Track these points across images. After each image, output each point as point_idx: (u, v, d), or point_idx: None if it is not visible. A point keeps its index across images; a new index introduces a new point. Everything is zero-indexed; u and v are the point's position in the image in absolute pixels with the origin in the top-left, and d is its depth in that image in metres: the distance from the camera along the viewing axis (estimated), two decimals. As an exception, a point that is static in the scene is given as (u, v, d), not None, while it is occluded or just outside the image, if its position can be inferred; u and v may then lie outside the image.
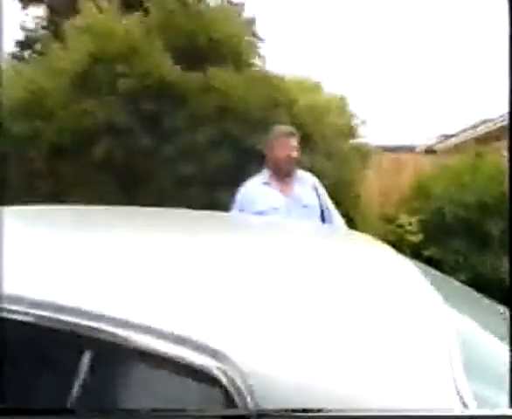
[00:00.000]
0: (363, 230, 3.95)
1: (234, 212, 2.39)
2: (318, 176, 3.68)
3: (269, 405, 0.60)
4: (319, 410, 0.59)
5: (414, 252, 3.90)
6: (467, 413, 0.60)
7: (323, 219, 2.40)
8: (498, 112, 8.95)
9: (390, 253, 1.23)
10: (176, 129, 3.90)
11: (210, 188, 3.77)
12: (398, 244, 4.03)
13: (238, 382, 0.61)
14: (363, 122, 4.69)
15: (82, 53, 4.00)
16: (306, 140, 3.90)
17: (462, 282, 3.81)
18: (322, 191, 2.51)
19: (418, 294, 0.89)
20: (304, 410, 0.59)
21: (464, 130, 9.35)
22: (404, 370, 0.65)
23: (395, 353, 0.67)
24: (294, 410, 0.60)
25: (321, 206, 2.41)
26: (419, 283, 0.95)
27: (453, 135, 9.40)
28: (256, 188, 2.43)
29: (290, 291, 0.80)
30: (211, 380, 0.62)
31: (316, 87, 4.88)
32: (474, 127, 9.41)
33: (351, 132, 4.39)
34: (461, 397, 0.60)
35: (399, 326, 0.75)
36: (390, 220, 4.13)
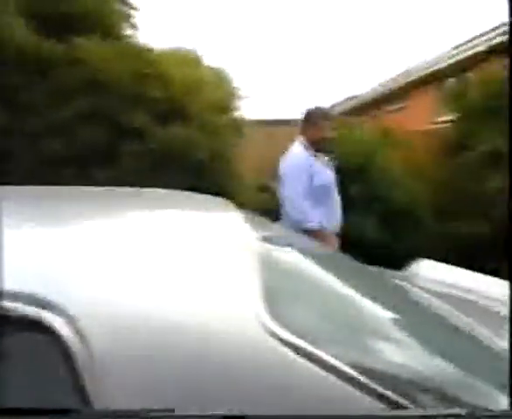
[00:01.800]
0: (238, 199, 4.21)
1: (300, 179, 2.51)
2: (192, 149, 3.79)
3: (100, 344, 0.68)
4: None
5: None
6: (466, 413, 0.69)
7: None
8: (362, 89, 10.08)
9: (229, 210, 1.39)
10: (36, 104, 3.60)
11: (81, 167, 3.61)
12: (274, 210, 4.37)
13: (69, 328, 0.68)
14: (242, 96, 4.88)
15: None
16: (179, 113, 3.95)
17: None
18: None
19: (237, 237, 1.04)
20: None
21: (335, 105, 10.34)
22: (212, 296, 0.78)
23: (208, 285, 0.79)
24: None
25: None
26: (241, 229, 1.10)
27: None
28: (311, 162, 2.58)
29: (128, 244, 0.88)
30: (44, 329, 0.68)
31: (194, 60, 4.87)
32: (344, 102, 10.48)
33: (228, 105, 4.53)
34: (262, 323, 0.72)
35: (216, 264, 0.87)
36: (265, 189, 4.44)
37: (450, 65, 7.32)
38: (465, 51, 7.20)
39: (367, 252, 4.05)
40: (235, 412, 0.63)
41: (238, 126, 4.36)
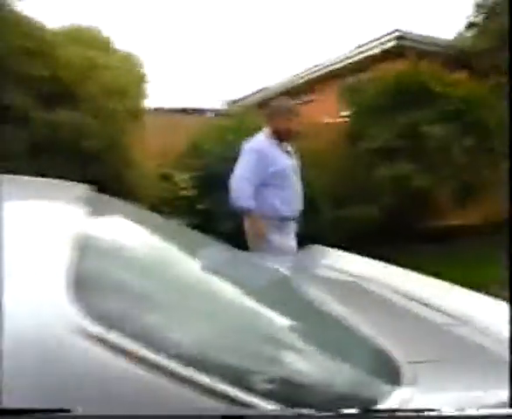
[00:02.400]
0: (138, 189, 4.04)
1: (250, 163, 2.56)
2: (83, 135, 3.53)
3: None
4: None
5: (190, 206, 4.20)
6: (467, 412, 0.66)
7: None
8: (275, 80, 10.31)
9: (78, 197, 1.25)
10: None
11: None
12: (175, 199, 4.27)
13: None
14: (149, 83, 4.67)
15: None
16: (68, 97, 3.64)
17: (231, 229, 4.32)
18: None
19: (57, 225, 0.91)
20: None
21: (247, 96, 10.45)
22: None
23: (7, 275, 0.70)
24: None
25: None
26: (70, 215, 0.97)
27: (239, 100, 10.33)
28: (270, 148, 2.63)
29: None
30: None
31: (99, 42, 4.53)
32: (256, 93, 10.62)
33: (128, 91, 4.29)
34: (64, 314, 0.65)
35: (24, 253, 0.77)
36: (167, 178, 4.31)
37: (351, 64, 7.79)
38: (364, 51, 7.72)
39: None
40: (235, 412, 0.61)
41: (139, 112, 4.16)
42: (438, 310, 1.29)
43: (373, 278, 1.65)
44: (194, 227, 4.31)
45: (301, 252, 2.46)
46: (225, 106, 9.68)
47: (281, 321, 1.07)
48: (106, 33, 4.69)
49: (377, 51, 7.31)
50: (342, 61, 8.16)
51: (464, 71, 5.50)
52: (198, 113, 7.76)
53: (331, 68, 8.30)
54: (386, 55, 7.09)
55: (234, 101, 10.45)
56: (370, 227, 4.87)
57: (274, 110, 2.77)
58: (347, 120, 5.65)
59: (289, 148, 2.82)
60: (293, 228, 2.80)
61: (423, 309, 1.31)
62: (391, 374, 0.86)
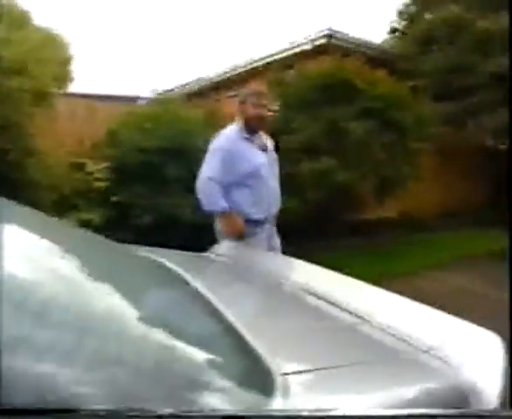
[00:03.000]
0: (44, 179, 3.69)
1: (216, 163, 2.33)
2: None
3: None
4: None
5: (103, 198, 3.93)
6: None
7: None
8: (209, 72, 10.14)
9: None
10: None
11: None
12: (88, 191, 3.97)
13: None
14: (72, 64, 4.33)
15: None
16: None
17: (149, 224, 4.11)
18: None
19: None
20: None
21: (181, 86, 10.16)
22: None
23: None
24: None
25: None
26: None
27: (172, 89, 10.02)
28: (240, 145, 2.38)
29: None
30: None
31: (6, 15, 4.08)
32: (190, 83, 10.38)
33: (33, 70, 3.89)
34: None
35: None
36: (80, 168, 4.00)
37: (283, 59, 7.84)
38: (296, 47, 7.81)
39: (186, 235, 4.03)
40: (235, 412, 0.62)
41: (46, 95, 3.79)
42: (337, 306, 1.26)
43: (281, 275, 1.61)
44: (108, 220, 4.06)
45: (214, 246, 2.35)
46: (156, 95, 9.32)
47: (145, 322, 0.95)
48: (24, 7, 4.27)
49: (307, 47, 7.43)
50: (274, 56, 8.20)
51: (386, 71, 5.73)
52: (129, 100, 7.37)
53: (264, 62, 8.31)
54: (316, 52, 7.23)
55: (167, 90, 10.12)
56: (295, 221, 4.91)
57: (244, 97, 2.48)
58: (274, 114, 5.64)
59: (267, 142, 2.57)
60: (271, 230, 2.57)
61: (325, 307, 1.28)
62: (265, 384, 0.79)
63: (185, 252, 2.05)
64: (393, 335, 1.07)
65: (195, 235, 3.82)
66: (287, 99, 5.45)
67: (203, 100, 8.62)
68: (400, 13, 7.64)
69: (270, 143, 2.61)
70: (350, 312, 1.21)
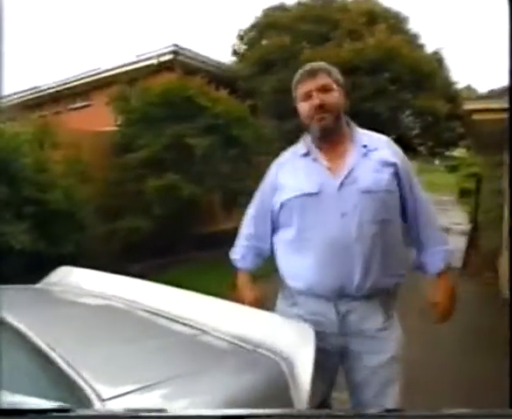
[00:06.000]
0: None
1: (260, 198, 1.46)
2: None
3: None
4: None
5: None
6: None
7: (406, 213, 1.38)
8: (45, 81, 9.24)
9: None
10: None
11: None
12: None
13: None
14: None
15: None
16: None
17: None
18: (405, 163, 1.38)
19: None
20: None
21: (17, 93, 9.04)
22: None
23: None
24: None
25: (402, 191, 1.35)
26: None
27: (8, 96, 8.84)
28: (290, 165, 1.39)
29: None
30: None
31: None
32: (22, 92, 9.30)
33: None
34: None
35: None
36: None
37: (129, 72, 7.65)
38: (142, 61, 7.70)
39: (19, 261, 3.60)
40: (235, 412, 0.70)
41: None
42: (173, 320, 1.28)
43: (117, 295, 1.57)
44: None
45: (51, 275, 2.15)
46: None
47: None
48: None
49: (153, 62, 7.40)
50: (120, 68, 7.94)
51: (229, 91, 6.08)
52: None
53: (108, 74, 7.97)
54: (162, 68, 7.26)
55: (1, 97, 8.85)
56: (143, 239, 4.82)
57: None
58: (117, 129, 5.46)
59: None
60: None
61: (160, 322, 1.30)
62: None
63: (14, 286, 1.84)
64: (226, 340, 1.15)
65: (29, 263, 3.43)
66: (131, 114, 5.34)
67: (40, 112, 7.81)
68: (241, 37, 8.22)
69: (370, 162, 1.40)
70: (187, 325, 1.25)
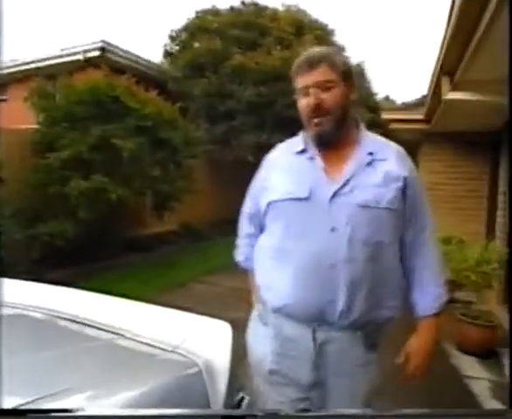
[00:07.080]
0: None
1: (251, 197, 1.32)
2: None
3: None
4: None
5: None
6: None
7: (402, 240, 1.18)
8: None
9: None
10: None
11: None
12: None
13: None
14: None
15: None
16: None
17: None
18: (415, 182, 1.18)
19: None
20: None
21: None
22: None
23: None
24: None
25: (405, 213, 1.16)
26: None
27: None
28: (283, 161, 1.22)
29: None
30: None
31: None
32: None
33: None
34: None
35: None
36: None
37: (51, 67, 7.25)
38: (67, 56, 7.33)
39: None
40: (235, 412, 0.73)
41: None
42: (91, 326, 1.29)
43: (33, 305, 1.52)
44: None
45: None
46: None
47: None
48: None
49: (79, 58, 7.10)
50: (42, 61, 7.49)
51: (159, 91, 6.01)
52: None
53: (28, 67, 7.48)
54: (88, 64, 6.98)
55: None
56: (68, 244, 4.62)
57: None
58: (38, 127, 5.16)
59: None
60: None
61: (77, 329, 1.29)
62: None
63: None
64: (144, 343, 1.18)
65: None
66: (53, 112, 5.08)
67: None
68: (172, 38, 8.13)
69: (373, 172, 1.27)
70: (104, 330, 1.27)
